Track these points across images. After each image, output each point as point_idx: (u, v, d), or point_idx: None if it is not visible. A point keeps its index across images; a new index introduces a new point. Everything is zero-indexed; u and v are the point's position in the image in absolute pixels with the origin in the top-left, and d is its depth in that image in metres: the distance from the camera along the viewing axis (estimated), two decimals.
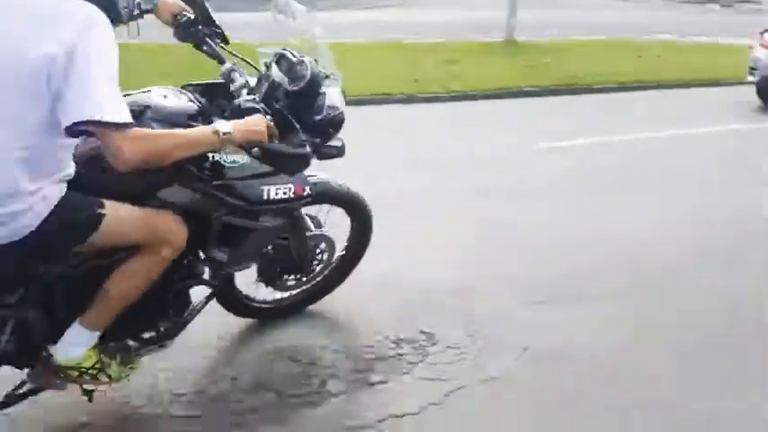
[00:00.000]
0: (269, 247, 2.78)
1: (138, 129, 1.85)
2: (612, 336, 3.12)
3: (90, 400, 2.26)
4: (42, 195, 1.87)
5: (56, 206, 1.90)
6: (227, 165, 2.24)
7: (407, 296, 3.30)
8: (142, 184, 2.10)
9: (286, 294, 3.09)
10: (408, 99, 8.39)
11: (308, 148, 2.36)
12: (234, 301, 2.88)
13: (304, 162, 2.41)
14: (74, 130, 1.77)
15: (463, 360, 2.85)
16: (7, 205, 1.82)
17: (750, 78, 9.58)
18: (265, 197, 2.35)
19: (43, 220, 1.87)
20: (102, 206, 1.97)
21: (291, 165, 2.37)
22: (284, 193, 2.41)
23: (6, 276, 1.97)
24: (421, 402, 2.54)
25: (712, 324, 3.25)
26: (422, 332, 3.03)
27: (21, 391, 2.22)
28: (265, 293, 3.01)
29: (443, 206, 4.61)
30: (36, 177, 1.85)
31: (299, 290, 3.07)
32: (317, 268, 3.03)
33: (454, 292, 3.39)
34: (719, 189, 5.43)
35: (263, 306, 3.04)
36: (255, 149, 2.15)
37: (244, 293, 2.89)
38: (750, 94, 9.49)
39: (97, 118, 1.74)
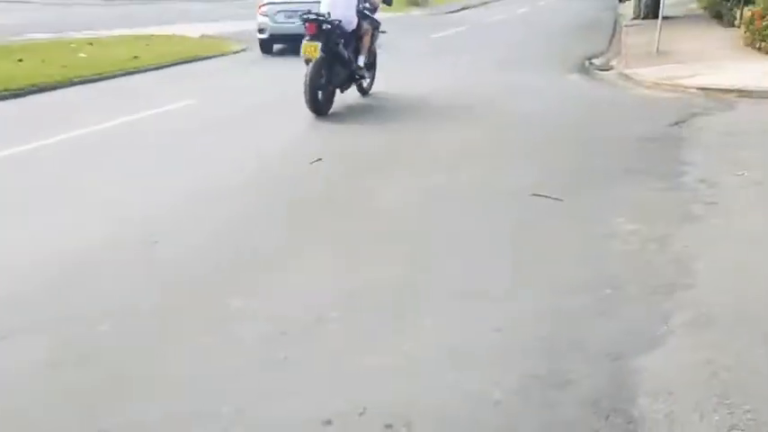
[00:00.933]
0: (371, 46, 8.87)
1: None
2: None
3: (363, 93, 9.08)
4: (354, 21, 8.20)
5: (357, 21, 8.25)
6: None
7: None
8: (361, 20, 8.39)
9: (368, 80, 8.98)
10: None
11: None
12: (360, 86, 8.81)
13: (390, 4, 9.33)
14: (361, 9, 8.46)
15: None
16: (352, 22, 8.13)
17: (261, 36, 14.88)
18: (379, 21, 8.97)
19: (356, 25, 8.22)
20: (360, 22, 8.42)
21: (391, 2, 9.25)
22: (379, 21, 8.97)
23: (350, 43, 8.21)
24: None
25: None
26: None
27: (343, 87, 8.41)
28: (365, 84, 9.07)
29: None
30: (355, 17, 8.27)
31: (370, 78, 9.04)
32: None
33: None
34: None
35: (366, 88, 8.98)
36: None
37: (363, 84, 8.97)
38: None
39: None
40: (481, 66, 12.50)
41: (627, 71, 10.90)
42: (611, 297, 3.47)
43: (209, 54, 14.53)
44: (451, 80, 10.89)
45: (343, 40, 7.94)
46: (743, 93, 8.68)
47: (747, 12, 13.19)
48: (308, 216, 4.82)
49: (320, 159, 6.07)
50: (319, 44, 7.60)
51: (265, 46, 14.83)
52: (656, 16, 13.56)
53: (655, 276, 3.68)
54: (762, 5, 12.06)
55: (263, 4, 14.58)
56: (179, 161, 6.34)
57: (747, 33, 12.39)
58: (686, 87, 9.27)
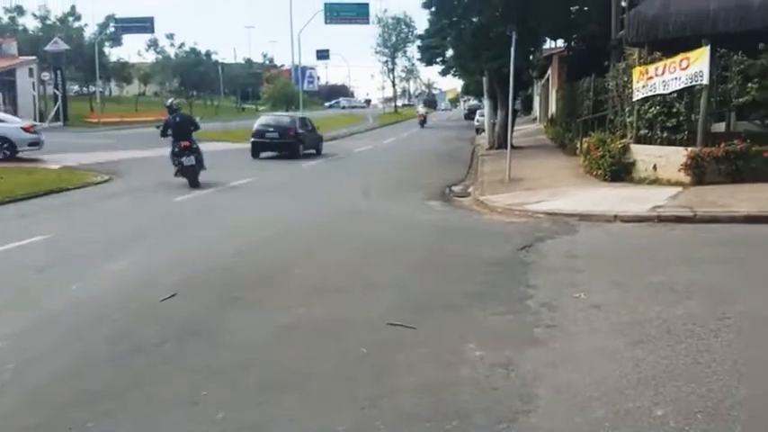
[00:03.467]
0: None
1: None
2: None
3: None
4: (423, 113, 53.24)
5: (425, 114, 57.00)
6: None
7: None
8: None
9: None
10: None
11: None
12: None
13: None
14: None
15: None
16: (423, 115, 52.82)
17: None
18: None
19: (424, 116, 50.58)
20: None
21: None
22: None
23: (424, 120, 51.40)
24: None
25: None
26: None
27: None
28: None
29: None
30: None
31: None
32: None
33: None
34: None
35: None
36: None
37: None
38: None
39: None
40: (348, 193, 12.94)
41: (482, 197, 11.63)
42: (457, 429, 3.48)
43: (70, 186, 14.20)
44: (319, 207, 11.16)
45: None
46: (583, 216, 9.45)
47: (585, 143, 14.62)
48: (155, 352, 4.61)
49: (174, 294, 5.88)
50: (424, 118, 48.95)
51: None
52: (507, 146, 14.73)
53: (499, 404, 3.75)
54: (595, 138, 13.44)
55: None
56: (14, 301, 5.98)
57: (586, 162, 13.67)
58: (534, 212, 9.98)
